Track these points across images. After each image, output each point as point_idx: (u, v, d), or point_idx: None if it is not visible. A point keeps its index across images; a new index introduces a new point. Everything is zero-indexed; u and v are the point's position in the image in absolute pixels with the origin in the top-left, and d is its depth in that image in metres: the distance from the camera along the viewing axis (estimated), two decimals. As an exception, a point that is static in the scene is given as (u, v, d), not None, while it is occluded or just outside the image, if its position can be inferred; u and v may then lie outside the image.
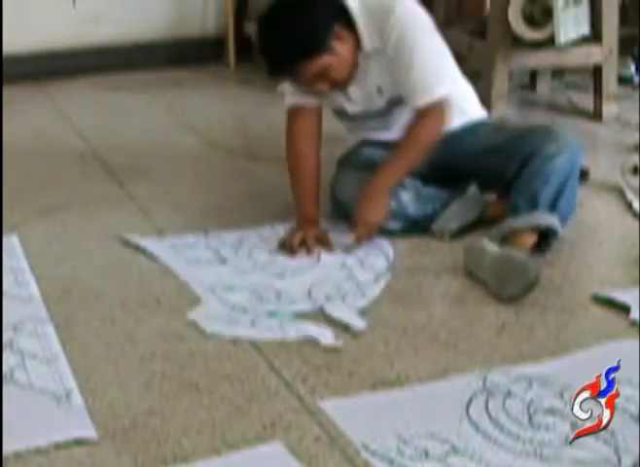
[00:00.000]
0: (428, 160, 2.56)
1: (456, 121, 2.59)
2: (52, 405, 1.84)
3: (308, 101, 2.59)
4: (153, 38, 4.54)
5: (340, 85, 2.52)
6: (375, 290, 2.33)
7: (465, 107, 2.65)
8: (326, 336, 2.10)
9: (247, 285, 2.35)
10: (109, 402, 1.87)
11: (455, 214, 2.61)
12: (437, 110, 2.47)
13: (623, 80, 4.01)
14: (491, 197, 2.72)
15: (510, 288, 2.25)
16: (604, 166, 3.17)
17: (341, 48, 2.43)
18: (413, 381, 1.95)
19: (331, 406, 1.85)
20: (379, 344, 2.10)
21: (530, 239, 2.43)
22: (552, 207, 2.43)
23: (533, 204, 2.42)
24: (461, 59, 3.88)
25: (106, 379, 1.95)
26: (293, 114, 2.62)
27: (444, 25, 3.95)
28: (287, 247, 2.50)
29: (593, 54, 3.62)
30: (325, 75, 2.44)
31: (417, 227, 2.60)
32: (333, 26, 2.41)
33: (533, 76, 4.12)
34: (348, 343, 2.10)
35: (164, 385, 1.93)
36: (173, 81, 4.34)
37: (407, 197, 2.58)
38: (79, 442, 1.74)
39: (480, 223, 2.62)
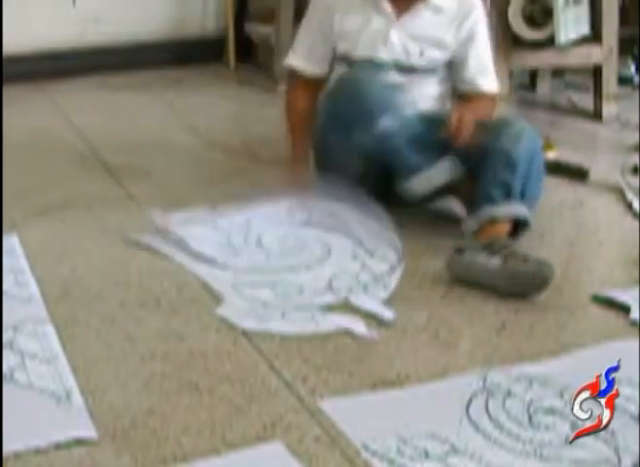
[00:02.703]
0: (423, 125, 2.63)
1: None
2: (52, 405, 1.84)
3: (315, 69, 2.67)
4: (153, 38, 4.54)
5: None
6: (393, 281, 2.36)
7: None
8: (359, 326, 2.14)
9: (266, 281, 2.36)
10: (109, 402, 1.87)
11: (426, 178, 2.59)
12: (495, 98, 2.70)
13: (623, 80, 4.01)
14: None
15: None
16: (604, 166, 3.17)
17: None
18: (413, 381, 1.95)
19: (331, 406, 1.85)
20: (379, 344, 2.10)
21: (506, 228, 2.46)
22: (522, 195, 2.47)
23: (508, 194, 2.45)
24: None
25: (106, 379, 1.95)
26: (296, 85, 2.73)
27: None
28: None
29: (593, 54, 3.62)
30: None
31: (408, 147, 2.57)
32: None
33: (533, 76, 4.12)
34: (348, 343, 2.10)
35: (164, 385, 1.93)
36: (173, 81, 4.34)
37: (409, 108, 2.59)
38: (79, 442, 1.74)
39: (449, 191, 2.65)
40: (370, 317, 2.19)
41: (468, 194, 2.58)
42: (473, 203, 2.52)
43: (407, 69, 2.63)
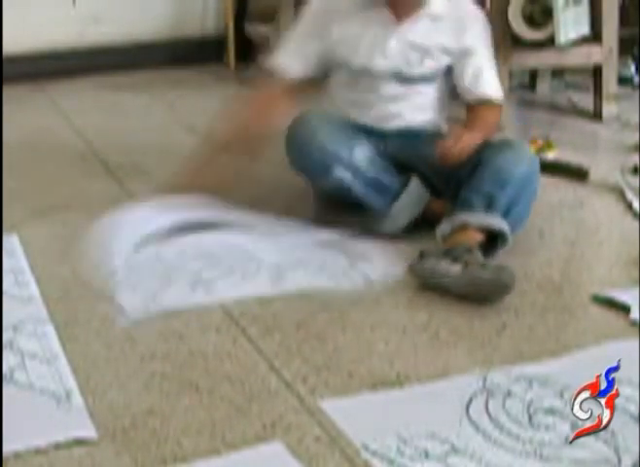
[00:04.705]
0: (390, 145, 2.62)
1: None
2: (52, 405, 1.84)
3: (296, 71, 2.61)
4: (153, 38, 4.55)
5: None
6: None
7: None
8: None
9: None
10: (109, 402, 1.87)
11: (401, 211, 2.58)
12: (500, 106, 2.68)
13: (623, 80, 4.01)
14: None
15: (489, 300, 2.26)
16: (604, 166, 3.17)
17: None
18: (413, 381, 1.95)
19: (331, 406, 1.85)
20: (379, 344, 2.10)
21: (477, 237, 2.41)
22: (506, 214, 2.43)
23: (489, 205, 2.41)
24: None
25: (106, 379, 1.95)
26: (270, 86, 2.63)
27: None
28: None
29: (593, 54, 3.62)
30: None
31: (368, 190, 2.56)
32: None
33: (533, 76, 4.12)
34: (348, 343, 2.10)
35: (164, 385, 1.93)
36: (173, 81, 4.35)
37: (360, 154, 2.54)
38: (79, 442, 1.74)
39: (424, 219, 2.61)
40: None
41: (437, 214, 2.56)
42: (452, 210, 2.49)
43: (405, 79, 2.61)
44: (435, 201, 2.63)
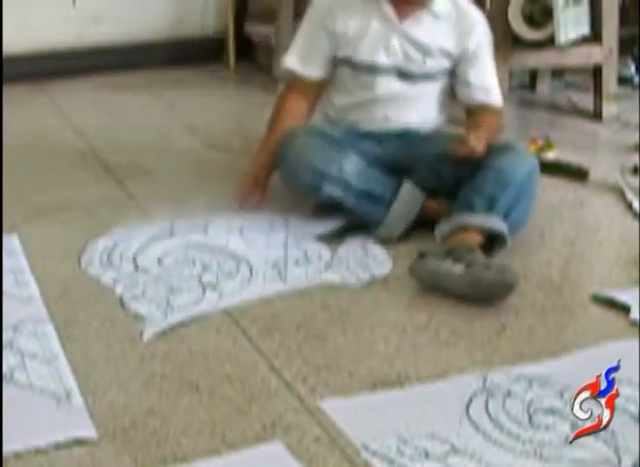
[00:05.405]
0: (386, 148, 2.64)
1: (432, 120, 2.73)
2: (52, 405, 1.84)
3: (312, 72, 2.66)
4: (153, 38, 4.54)
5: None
6: None
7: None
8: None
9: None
10: (109, 402, 1.87)
11: (396, 219, 2.57)
12: (501, 112, 2.73)
13: (623, 80, 4.01)
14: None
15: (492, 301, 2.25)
16: (604, 166, 3.17)
17: None
18: (413, 381, 1.95)
19: (331, 406, 1.85)
20: (379, 344, 2.10)
21: (476, 238, 2.41)
22: (506, 216, 2.43)
23: (490, 207, 2.42)
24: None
25: (106, 379, 1.95)
26: (291, 87, 2.70)
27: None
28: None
29: (593, 54, 3.62)
30: None
31: (360, 202, 2.55)
32: None
33: (533, 76, 4.12)
34: (348, 343, 2.10)
35: (164, 385, 1.93)
36: (173, 81, 4.34)
37: (349, 167, 2.53)
38: (79, 442, 1.74)
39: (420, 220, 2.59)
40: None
41: (432, 214, 2.57)
42: (451, 210, 2.49)
43: (407, 75, 2.62)
44: (429, 202, 2.62)
